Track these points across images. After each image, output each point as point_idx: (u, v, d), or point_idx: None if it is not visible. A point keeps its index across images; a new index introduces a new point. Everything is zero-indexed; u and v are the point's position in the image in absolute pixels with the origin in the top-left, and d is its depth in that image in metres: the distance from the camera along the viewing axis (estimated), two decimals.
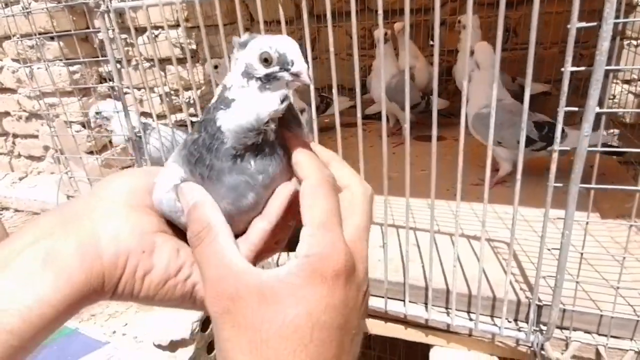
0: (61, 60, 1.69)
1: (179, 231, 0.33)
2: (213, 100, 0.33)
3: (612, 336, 0.79)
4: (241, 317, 0.26)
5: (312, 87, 0.80)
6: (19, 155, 2.86)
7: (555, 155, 0.68)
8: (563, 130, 0.68)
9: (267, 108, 0.31)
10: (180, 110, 2.33)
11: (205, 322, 1.31)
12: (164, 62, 2.18)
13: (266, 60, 0.30)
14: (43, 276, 0.26)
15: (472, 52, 1.27)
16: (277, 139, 0.32)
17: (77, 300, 0.27)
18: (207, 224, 0.29)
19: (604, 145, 1.19)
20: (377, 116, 1.90)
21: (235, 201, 0.31)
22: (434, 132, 0.71)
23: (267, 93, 0.31)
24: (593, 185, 0.70)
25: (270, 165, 0.31)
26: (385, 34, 1.51)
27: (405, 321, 0.94)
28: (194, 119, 1.96)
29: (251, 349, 0.25)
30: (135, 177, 0.33)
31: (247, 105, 0.31)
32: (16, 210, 2.61)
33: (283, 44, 0.31)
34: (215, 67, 1.51)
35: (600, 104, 0.65)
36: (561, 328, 0.82)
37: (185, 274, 0.31)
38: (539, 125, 1.21)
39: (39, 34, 1.38)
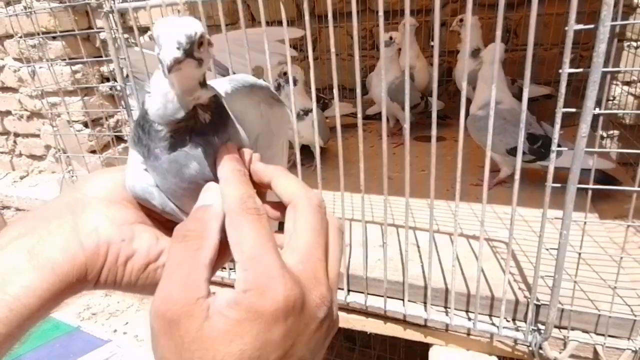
0: (63, 59, 1.70)
1: (158, 223, 0.35)
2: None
3: (609, 335, 0.80)
4: (177, 337, 0.23)
5: (313, 89, 0.81)
6: (20, 155, 2.87)
7: (553, 156, 0.68)
8: (559, 145, 0.68)
9: (156, 103, 0.31)
10: None
11: None
12: None
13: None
14: (28, 267, 0.28)
15: (477, 51, 1.27)
16: (215, 123, 0.32)
17: (61, 290, 0.29)
18: (202, 230, 0.27)
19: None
20: (377, 117, 1.90)
21: (178, 172, 0.31)
22: (434, 132, 0.71)
23: (165, 81, 0.31)
24: (591, 186, 0.71)
25: (208, 145, 0.31)
26: (390, 37, 1.51)
27: (404, 320, 0.95)
28: None
29: None
30: (114, 173, 0.35)
31: (155, 94, 0.31)
32: (17, 209, 2.62)
33: (160, 26, 0.29)
34: None
35: (599, 105, 0.65)
36: (559, 327, 0.83)
37: (166, 259, 0.31)
38: (533, 137, 1.18)
39: (42, 33, 1.39)
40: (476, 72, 1.31)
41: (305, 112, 1.50)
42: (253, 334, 0.23)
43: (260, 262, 0.24)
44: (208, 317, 0.23)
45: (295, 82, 1.35)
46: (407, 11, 0.68)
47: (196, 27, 0.29)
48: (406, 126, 0.75)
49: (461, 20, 1.59)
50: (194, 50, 0.29)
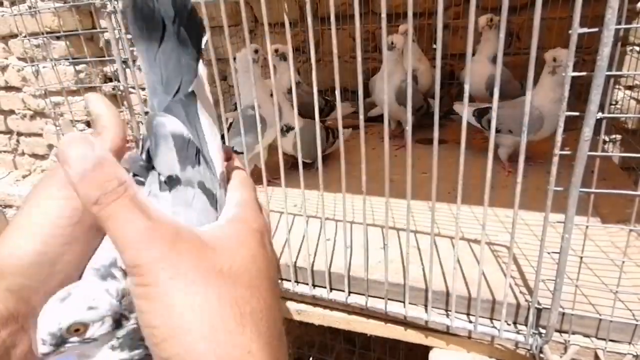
0: (67, 59, 1.71)
1: None
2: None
3: (610, 340, 0.79)
4: (185, 258, 0.25)
5: (315, 91, 0.81)
6: (23, 153, 2.88)
7: (555, 160, 0.68)
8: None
9: None
10: None
11: None
12: None
13: None
14: None
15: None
16: None
17: None
18: (122, 178, 0.26)
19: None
20: (379, 119, 1.90)
21: None
22: (436, 135, 0.71)
23: None
24: (593, 190, 0.70)
25: None
26: (392, 42, 1.51)
27: (405, 323, 0.95)
28: None
29: (199, 291, 0.25)
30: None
31: None
32: (19, 208, 2.63)
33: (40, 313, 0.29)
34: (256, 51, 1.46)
35: (602, 109, 0.65)
36: (560, 331, 0.83)
37: None
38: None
39: (46, 33, 1.39)
40: (493, 76, 1.34)
41: (287, 129, 1.46)
42: (255, 243, 0.30)
43: (247, 203, 0.33)
44: (207, 233, 0.29)
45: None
46: (410, 14, 0.68)
47: (62, 318, 0.28)
48: (408, 128, 0.75)
49: (491, 20, 1.58)
50: (65, 339, 0.29)
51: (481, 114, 1.49)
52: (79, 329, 0.29)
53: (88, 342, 0.29)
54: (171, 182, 0.30)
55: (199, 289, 0.25)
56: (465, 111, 0.70)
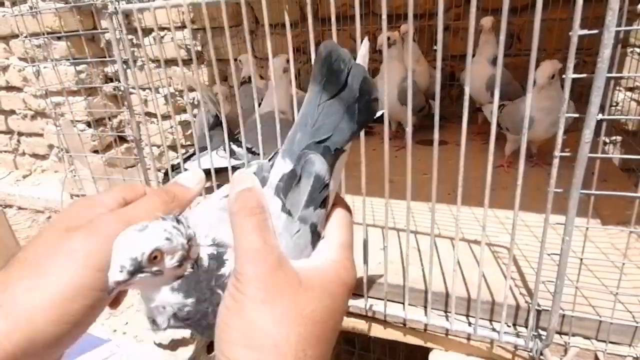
0: (68, 59, 1.71)
1: None
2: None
3: (611, 342, 0.79)
4: (278, 289, 0.30)
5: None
6: (24, 153, 2.88)
7: (555, 161, 0.68)
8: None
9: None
10: (184, 111, 2.35)
11: None
12: (170, 63, 2.20)
13: None
14: None
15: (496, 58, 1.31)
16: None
17: None
18: (262, 206, 0.33)
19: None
20: (379, 119, 1.90)
21: None
22: (436, 136, 0.71)
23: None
24: (594, 192, 0.70)
25: None
26: (388, 38, 1.51)
27: (404, 324, 0.95)
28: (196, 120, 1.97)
29: (283, 321, 0.29)
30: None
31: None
32: (19, 208, 2.63)
33: (114, 243, 0.32)
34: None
35: (602, 111, 0.65)
36: (560, 333, 0.83)
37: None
38: None
39: (47, 33, 1.40)
40: (494, 77, 1.35)
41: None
42: (340, 299, 0.33)
43: (346, 250, 0.36)
44: (305, 274, 0.32)
45: None
46: (410, 15, 0.68)
47: (145, 245, 0.30)
48: (408, 129, 0.75)
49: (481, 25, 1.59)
50: (142, 267, 0.31)
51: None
52: (157, 256, 0.31)
53: (157, 275, 0.31)
54: (290, 211, 0.35)
55: (279, 319, 0.29)
56: (465, 113, 0.70)
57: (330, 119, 0.36)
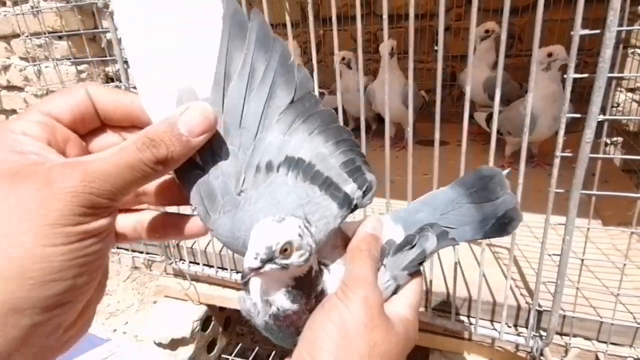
0: (69, 59, 1.71)
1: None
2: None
3: (611, 343, 0.79)
4: (380, 321, 0.35)
5: (316, 92, 0.81)
6: None
7: (557, 161, 0.68)
8: None
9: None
10: None
11: (206, 322, 1.32)
12: None
13: None
14: None
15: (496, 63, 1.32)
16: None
17: None
18: (378, 248, 0.40)
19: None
20: (381, 120, 1.90)
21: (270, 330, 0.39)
22: (437, 135, 0.71)
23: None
24: (594, 192, 0.70)
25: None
26: (392, 48, 1.51)
27: None
28: None
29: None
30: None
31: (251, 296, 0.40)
32: None
33: (252, 230, 0.33)
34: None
35: (603, 111, 0.65)
36: (561, 334, 0.83)
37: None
38: None
39: (48, 33, 1.40)
40: (493, 79, 1.36)
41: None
42: (404, 351, 0.37)
43: (416, 312, 0.40)
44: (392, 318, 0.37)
45: None
46: (412, 15, 0.68)
47: (280, 236, 0.32)
48: (409, 129, 0.75)
49: (487, 31, 1.60)
50: (274, 258, 0.32)
51: (491, 117, 1.51)
52: (287, 249, 0.32)
53: (283, 269, 0.33)
54: (385, 265, 0.40)
55: (372, 346, 0.33)
56: (466, 113, 0.70)
57: (462, 217, 0.42)
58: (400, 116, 1.64)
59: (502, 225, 0.41)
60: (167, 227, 0.37)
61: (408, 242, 0.40)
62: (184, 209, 0.38)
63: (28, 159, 0.27)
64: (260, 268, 0.32)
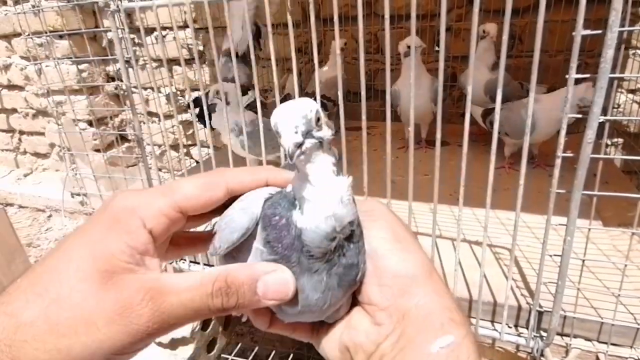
0: (70, 58, 1.71)
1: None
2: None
3: (612, 344, 0.79)
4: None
5: (317, 90, 0.81)
6: (25, 152, 2.88)
7: (558, 162, 0.68)
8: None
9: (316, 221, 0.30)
10: (186, 111, 2.35)
11: (206, 322, 1.32)
12: (171, 62, 2.20)
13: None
14: None
15: (496, 64, 1.30)
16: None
17: None
18: None
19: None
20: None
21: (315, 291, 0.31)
22: (438, 135, 0.71)
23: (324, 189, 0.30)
24: (596, 192, 0.70)
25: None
26: (408, 47, 1.50)
27: None
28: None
29: None
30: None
31: (313, 209, 0.30)
32: (20, 206, 2.63)
33: (276, 114, 0.29)
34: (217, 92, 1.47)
35: (604, 112, 0.65)
36: (561, 334, 0.83)
37: None
38: None
39: (49, 32, 1.40)
40: (493, 81, 1.35)
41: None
42: None
43: None
44: None
45: (227, 102, 1.28)
46: (413, 15, 0.68)
47: (309, 105, 0.29)
48: (410, 129, 0.75)
49: (484, 31, 1.59)
50: (312, 129, 0.29)
51: (487, 113, 1.51)
52: (319, 118, 0.29)
53: (320, 145, 0.29)
54: None
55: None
56: (467, 114, 0.70)
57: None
58: (427, 115, 1.63)
59: None
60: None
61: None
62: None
63: (127, 265, 0.28)
64: (302, 143, 0.28)
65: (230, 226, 0.31)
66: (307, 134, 0.29)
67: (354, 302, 0.34)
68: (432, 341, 0.28)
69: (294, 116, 0.29)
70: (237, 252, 0.33)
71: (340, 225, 0.29)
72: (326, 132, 0.30)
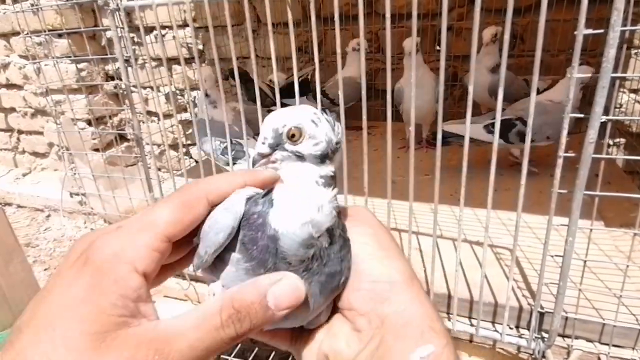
0: (69, 57, 1.71)
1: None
2: None
3: (614, 345, 0.79)
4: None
5: (317, 90, 0.80)
6: (24, 152, 2.88)
7: (560, 162, 0.68)
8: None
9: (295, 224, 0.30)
10: (185, 110, 2.34)
11: None
12: (171, 61, 2.19)
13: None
14: None
15: (497, 67, 1.27)
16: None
17: None
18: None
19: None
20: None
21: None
22: (439, 136, 0.71)
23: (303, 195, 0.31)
24: (597, 193, 0.70)
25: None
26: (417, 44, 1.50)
27: None
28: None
29: None
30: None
31: (290, 210, 0.30)
32: (19, 206, 2.62)
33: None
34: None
35: (606, 112, 0.64)
36: (563, 336, 0.82)
37: None
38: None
39: (48, 30, 1.39)
40: (497, 81, 1.34)
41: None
42: None
43: None
44: None
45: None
46: (414, 14, 0.67)
47: (288, 120, 0.29)
48: (411, 129, 0.74)
49: (495, 34, 1.59)
50: (282, 142, 0.29)
51: (506, 127, 1.31)
52: (295, 134, 0.29)
53: (298, 156, 0.30)
54: None
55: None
56: (468, 114, 0.69)
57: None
58: (429, 114, 1.62)
59: None
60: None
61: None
62: None
63: (121, 319, 0.25)
64: (269, 154, 0.29)
65: (214, 228, 0.30)
66: (278, 146, 0.29)
67: (334, 309, 0.33)
68: (412, 350, 0.28)
69: (265, 128, 0.30)
70: (221, 262, 0.31)
71: (317, 231, 0.29)
72: (306, 148, 0.30)
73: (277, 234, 0.29)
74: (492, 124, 1.44)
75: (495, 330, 0.85)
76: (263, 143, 0.30)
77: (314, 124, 0.30)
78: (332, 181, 0.30)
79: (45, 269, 1.98)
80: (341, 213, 0.32)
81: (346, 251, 0.31)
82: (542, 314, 0.81)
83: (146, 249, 0.27)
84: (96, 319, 0.24)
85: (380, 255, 0.32)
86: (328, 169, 0.30)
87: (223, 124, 0.93)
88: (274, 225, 0.29)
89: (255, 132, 1.42)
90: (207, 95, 1.50)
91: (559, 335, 0.81)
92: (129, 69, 1.08)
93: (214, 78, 1.49)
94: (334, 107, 1.77)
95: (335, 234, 0.30)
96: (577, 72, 0.62)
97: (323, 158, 0.30)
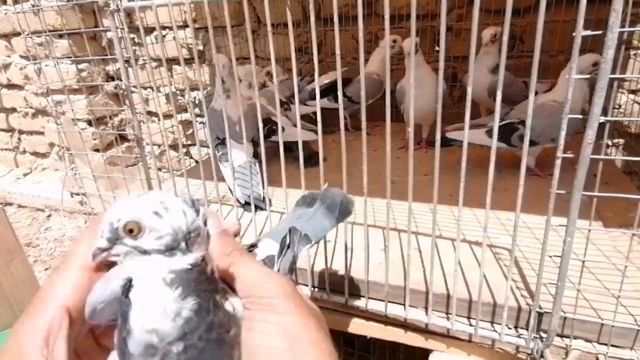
0: (69, 57, 1.71)
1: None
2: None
3: (612, 345, 0.79)
4: (305, 302, 0.34)
5: (317, 90, 0.80)
6: (24, 152, 2.88)
7: (558, 162, 0.68)
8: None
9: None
10: (186, 110, 2.35)
11: None
12: (171, 62, 2.20)
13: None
14: None
15: (497, 67, 1.26)
16: None
17: None
18: (235, 247, 0.35)
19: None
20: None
21: None
22: (438, 136, 0.71)
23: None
24: (596, 193, 0.70)
25: None
26: (417, 44, 1.49)
27: (405, 325, 0.94)
28: (199, 119, 1.97)
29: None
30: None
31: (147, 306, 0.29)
32: (20, 206, 2.63)
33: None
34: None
35: (605, 112, 0.65)
36: (561, 336, 0.82)
37: None
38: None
39: (49, 31, 1.39)
40: (497, 82, 1.33)
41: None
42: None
43: None
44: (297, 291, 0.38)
45: None
46: (414, 15, 0.68)
47: (126, 214, 0.27)
48: (410, 129, 0.74)
49: (495, 35, 1.59)
50: (120, 237, 0.27)
51: (509, 130, 1.31)
52: (132, 229, 0.27)
53: (142, 253, 0.28)
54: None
55: (318, 327, 0.32)
56: (467, 114, 0.69)
57: (319, 220, 0.59)
58: (430, 115, 1.61)
59: (344, 209, 0.63)
60: None
61: (285, 246, 0.48)
62: None
63: None
64: (108, 249, 0.28)
65: (97, 294, 0.29)
66: (117, 240, 0.28)
67: None
68: None
69: (104, 221, 0.28)
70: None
71: (161, 342, 0.26)
72: (147, 242, 0.28)
73: (128, 336, 0.27)
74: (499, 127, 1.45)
75: (494, 330, 0.86)
76: (101, 237, 0.28)
77: (156, 215, 0.27)
78: (190, 275, 0.28)
79: (46, 269, 1.98)
80: (235, 294, 0.32)
81: (226, 353, 0.28)
82: (540, 314, 0.81)
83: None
84: None
85: None
86: (183, 261, 0.28)
87: (231, 116, 0.92)
88: (127, 326, 0.27)
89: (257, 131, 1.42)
90: (223, 81, 1.45)
91: (558, 335, 0.81)
92: (129, 69, 1.09)
93: (229, 66, 1.47)
94: (353, 106, 1.77)
95: (195, 338, 0.27)
96: (577, 73, 0.63)
97: (171, 250, 0.28)
